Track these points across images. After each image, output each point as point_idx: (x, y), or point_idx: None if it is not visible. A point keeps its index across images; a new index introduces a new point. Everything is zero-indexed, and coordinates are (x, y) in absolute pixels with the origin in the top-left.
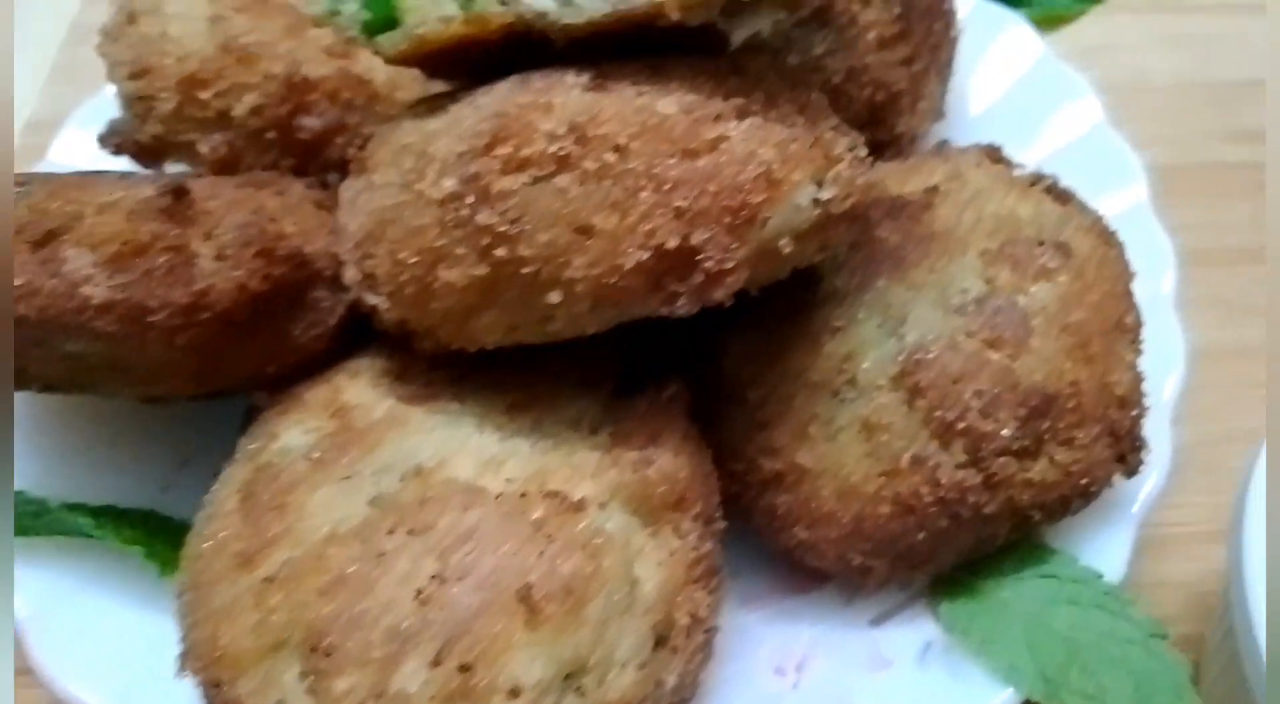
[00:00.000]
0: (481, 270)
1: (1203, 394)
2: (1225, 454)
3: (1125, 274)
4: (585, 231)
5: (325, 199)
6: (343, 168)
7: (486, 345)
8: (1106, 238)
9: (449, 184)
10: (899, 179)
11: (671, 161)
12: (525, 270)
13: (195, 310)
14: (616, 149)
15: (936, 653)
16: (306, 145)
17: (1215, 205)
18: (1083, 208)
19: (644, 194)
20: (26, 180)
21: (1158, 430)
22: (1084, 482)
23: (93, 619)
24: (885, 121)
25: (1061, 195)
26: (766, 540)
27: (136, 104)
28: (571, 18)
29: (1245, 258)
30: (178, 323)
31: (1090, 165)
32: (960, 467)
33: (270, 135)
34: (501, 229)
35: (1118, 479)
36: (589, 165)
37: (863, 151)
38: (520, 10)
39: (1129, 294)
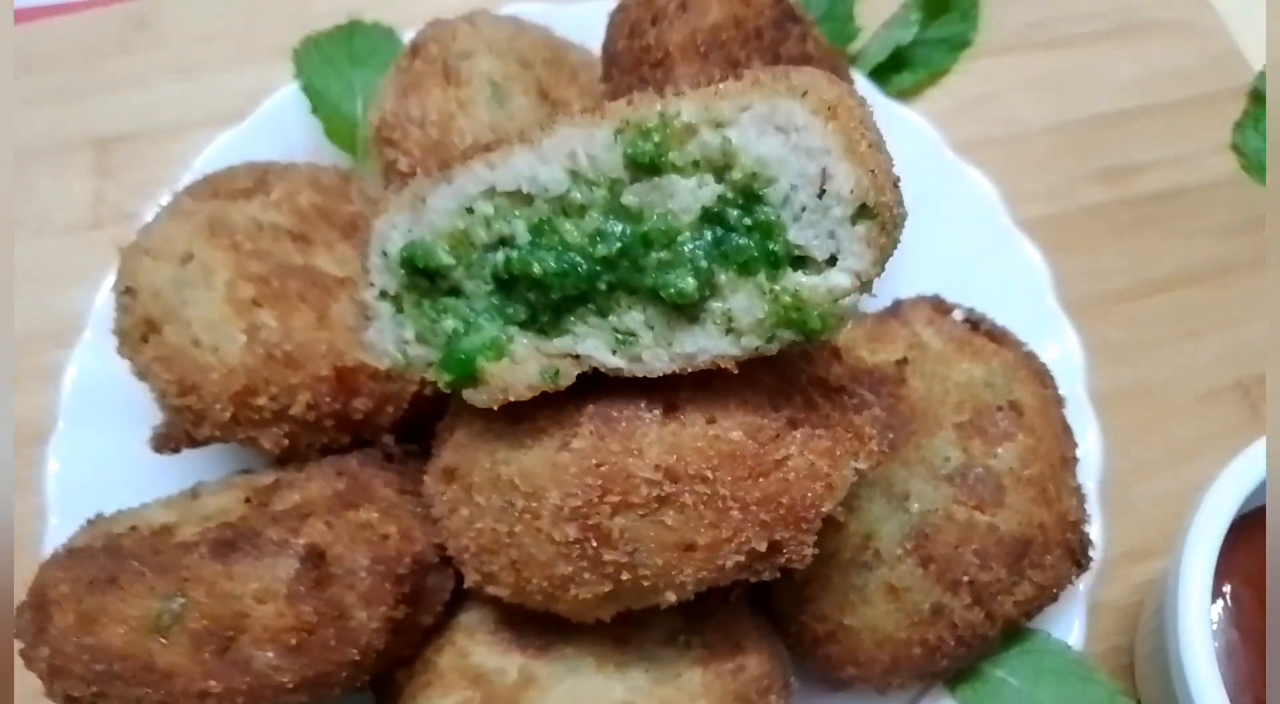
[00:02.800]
0: (606, 587)
1: (1103, 436)
2: (1131, 484)
3: (1060, 410)
4: (690, 548)
5: (401, 482)
6: (393, 430)
7: (604, 619)
8: (1043, 379)
9: (572, 531)
10: (870, 348)
11: (749, 483)
12: (644, 583)
13: (364, 657)
14: (704, 480)
15: None
16: (360, 422)
17: (1090, 252)
18: (1016, 347)
19: (734, 513)
20: (140, 558)
21: (1092, 516)
22: (1054, 590)
23: None
24: None
25: (996, 336)
26: (820, 673)
27: (186, 413)
28: (641, 372)
29: (1123, 298)
30: (353, 674)
31: (1002, 276)
32: (968, 608)
33: (328, 423)
34: (622, 560)
35: (1075, 578)
36: (686, 499)
37: (879, 412)
38: (595, 365)
39: (1066, 428)
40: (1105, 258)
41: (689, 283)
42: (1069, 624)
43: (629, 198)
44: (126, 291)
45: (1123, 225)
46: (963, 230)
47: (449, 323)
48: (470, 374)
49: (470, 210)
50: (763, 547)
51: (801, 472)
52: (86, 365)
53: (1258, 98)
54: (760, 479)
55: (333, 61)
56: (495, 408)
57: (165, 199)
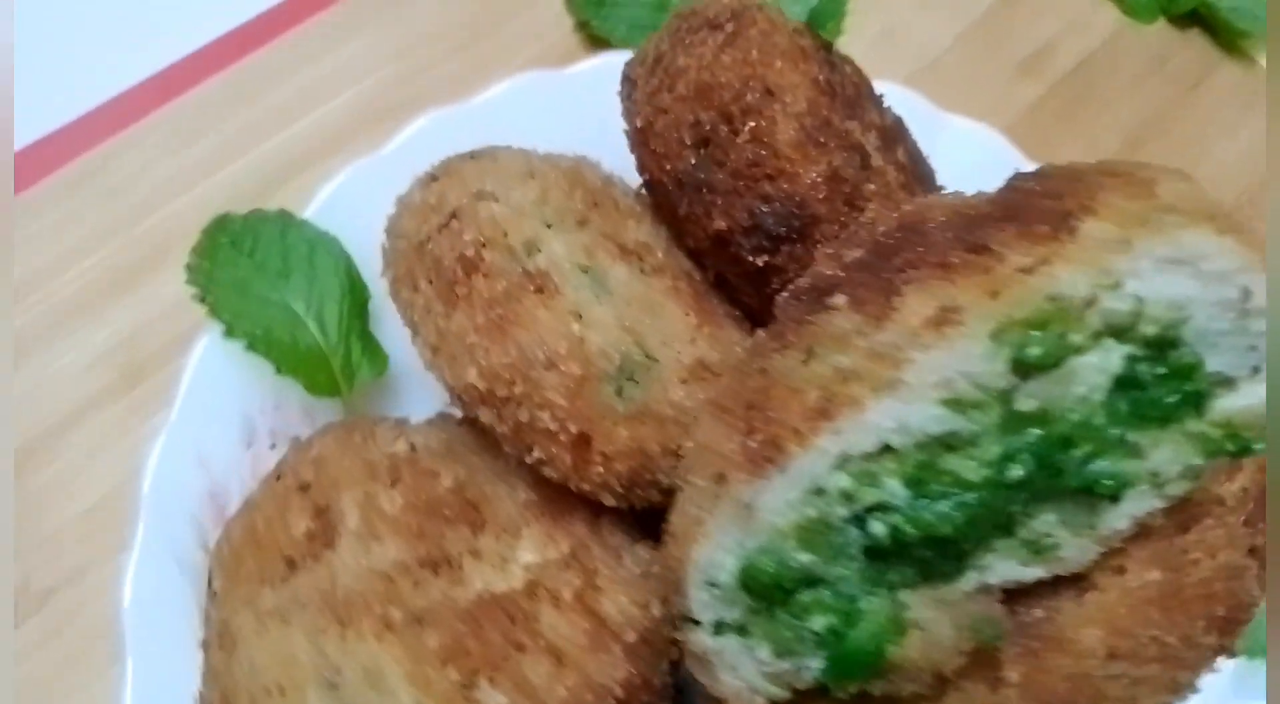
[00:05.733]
0: None
1: None
2: None
3: None
4: None
5: None
6: None
7: None
8: None
9: None
10: None
11: (1184, 615)
12: None
13: None
14: (1151, 642)
15: None
16: None
17: (1054, 149)
18: None
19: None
20: None
21: None
22: None
23: None
24: None
25: None
26: None
27: None
28: (1063, 571)
29: None
30: None
31: None
32: None
33: None
34: None
35: None
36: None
37: None
38: (1008, 586)
39: None
40: (1066, 150)
41: (1133, 467)
42: None
43: (1025, 403)
44: None
45: (1063, 112)
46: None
47: (819, 620)
48: (879, 668)
49: (819, 491)
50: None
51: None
52: None
53: None
54: (1194, 602)
55: (245, 287)
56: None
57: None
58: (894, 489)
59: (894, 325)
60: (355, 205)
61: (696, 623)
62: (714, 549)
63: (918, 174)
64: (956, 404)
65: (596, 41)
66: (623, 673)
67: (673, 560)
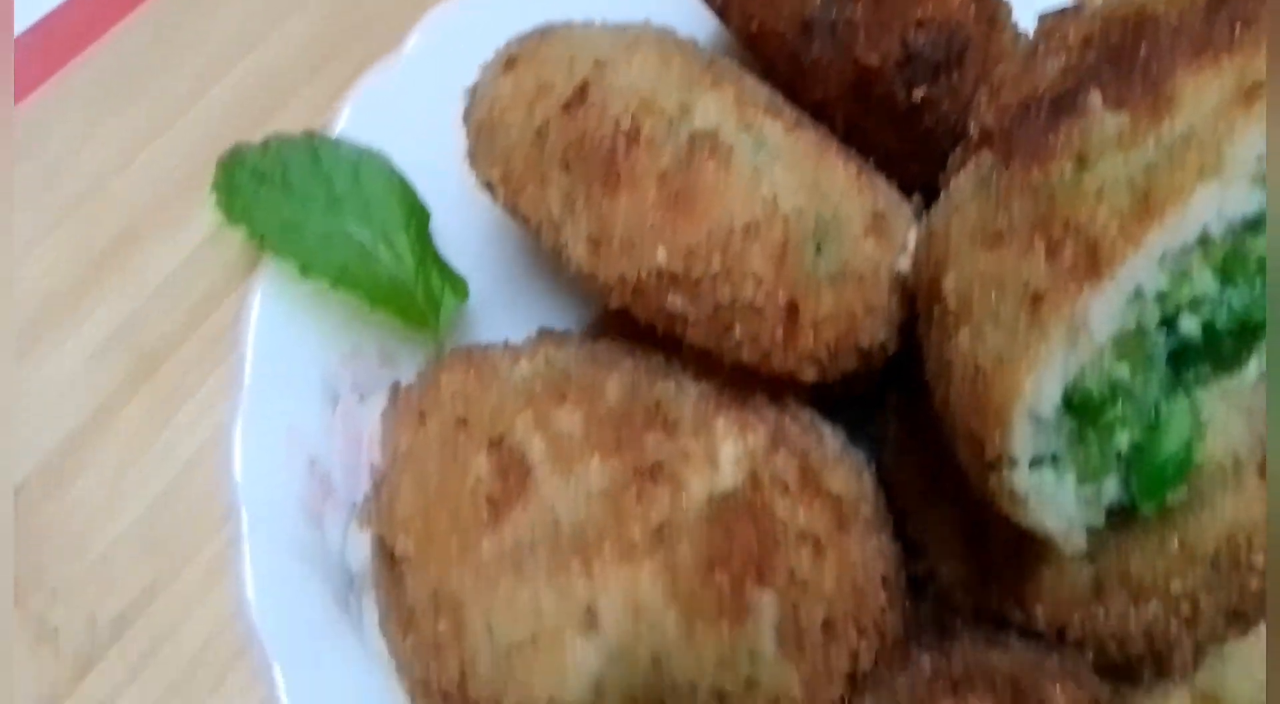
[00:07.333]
0: None
1: None
2: None
3: None
4: None
5: None
6: None
7: None
8: None
9: None
10: None
11: None
12: None
13: None
14: None
15: None
16: None
17: None
18: None
19: None
20: None
21: None
22: None
23: None
24: None
25: None
26: None
27: None
28: None
29: None
30: None
31: None
32: None
33: None
34: None
35: None
36: None
37: None
38: None
39: None
40: None
41: None
42: None
43: None
44: None
45: None
46: None
47: (1122, 437)
48: (1186, 474)
49: (1137, 295)
50: None
51: None
52: None
53: None
54: None
55: (295, 221)
56: None
57: None
58: (1206, 282)
59: (1182, 111)
60: (386, 118)
61: (1013, 462)
62: (1042, 379)
63: None
64: (1265, 180)
65: None
66: (873, 545)
67: (996, 400)
